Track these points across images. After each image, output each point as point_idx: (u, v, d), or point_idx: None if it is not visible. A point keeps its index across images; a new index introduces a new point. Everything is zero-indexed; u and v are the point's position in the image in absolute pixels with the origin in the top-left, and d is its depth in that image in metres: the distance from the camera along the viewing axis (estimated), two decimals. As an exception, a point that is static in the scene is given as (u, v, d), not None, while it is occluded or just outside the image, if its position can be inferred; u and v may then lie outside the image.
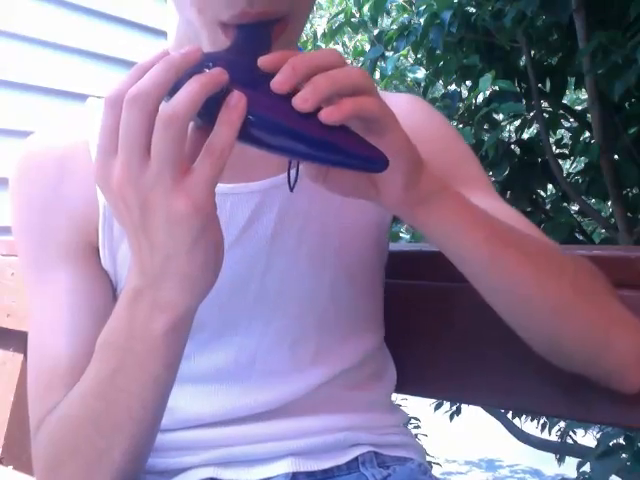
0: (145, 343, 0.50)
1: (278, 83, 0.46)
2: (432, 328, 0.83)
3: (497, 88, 1.95)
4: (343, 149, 0.47)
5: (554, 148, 2.33)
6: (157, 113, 0.44)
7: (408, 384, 0.82)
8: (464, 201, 0.56)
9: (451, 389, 0.84)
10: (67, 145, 0.66)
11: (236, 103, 0.45)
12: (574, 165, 2.60)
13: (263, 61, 0.47)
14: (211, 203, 0.46)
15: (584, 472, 2.36)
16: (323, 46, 2.75)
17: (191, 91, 0.43)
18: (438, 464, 3.40)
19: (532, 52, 2.10)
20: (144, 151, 0.44)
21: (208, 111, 0.45)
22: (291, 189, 0.62)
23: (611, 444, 1.95)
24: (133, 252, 0.49)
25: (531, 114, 2.17)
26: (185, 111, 0.43)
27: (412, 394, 0.90)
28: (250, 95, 0.45)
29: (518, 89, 2.17)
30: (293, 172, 0.62)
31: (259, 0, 0.50)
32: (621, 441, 1.97)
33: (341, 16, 2.51)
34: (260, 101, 0.46)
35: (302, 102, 0.45)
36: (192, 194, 0.44)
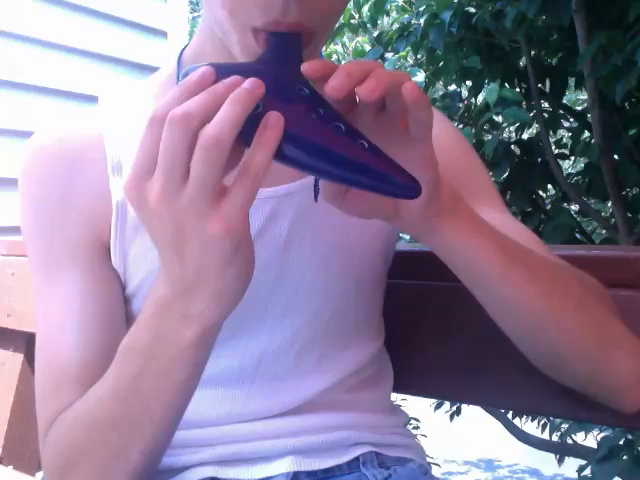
0: (172, 352, 0.50)
1: (333, 89, 0.45)
2: (432, 328, 0.84)
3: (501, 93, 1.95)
4: (379, 173, 0.46)
5: (554, 148, 2.33)
6: (197, 136, 0.43)
7: (408, 384, 0.82)
8: (475, 215, 0.56)
9: (451, 389, 0.84)
10: (80, 140, 0.65)
11: (274, 124, 0.44)
12: (574, 165, 2.60)
13: (307, 67, 0.46)
14: (245, 224, 0.46)
15: (585, 476, 2.36)
16: (323, 47, 2.74)
17: (232, 113, 0.43)
18: (437, 464, 3.40)
19: (532, 52, 2.10)
20: (183, 172, 0.44)
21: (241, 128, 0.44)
22: (316, 198, 0.61)
23: (611, 447, 1.95)
24: (163, 263, 0.48)
25: (531, 114, 2.17)
26: (227, 135, 0.43)
27: (412, 394, 0.90)
28: (285, 112, 0.45)
29: (518, 89, 2.17)
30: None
31: (293, 10, 0.49)
32: (621, 444, 1.97)
33: (340, 17, 2.50)
34: (296, 119, 0.45)
35: (369, 93, 0.44)
36: (226, 217, 0.44)
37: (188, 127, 0.43)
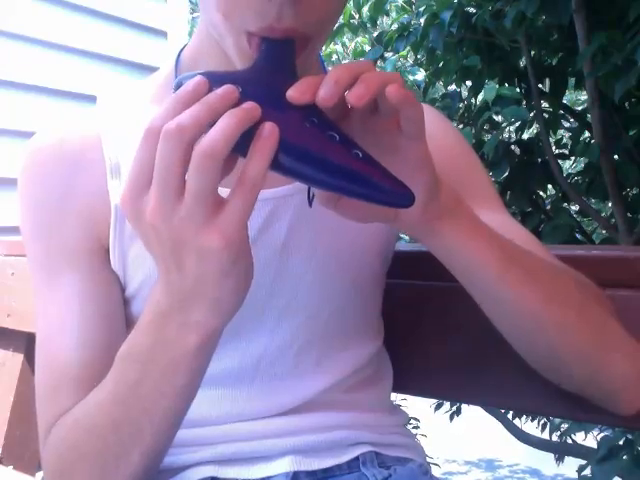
0: (171, 359, 0.50)
1: (324, 99, 0.45)
2: (432, 328, 0.83)
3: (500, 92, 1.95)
4: (373, 183, 0.46)
5: (554, 148, 2.32)
6: (192, 148, 0.43)
7: (408, 384, 0.82)
8: (474, 216, 0.56)
9: (451, 389, 0.84)
10: (79, 141, 0.65)
11: (269, 135, 0.44)
12: (574, 165, 2.60)
13: (292, 94, 0.46)
14: (243, 235, 0.46)
15: (585, 476, 2.36)
16: (323, 47, 2.74)
17: (227, 127, 0.43)
18: (437, 465, 3.40)
19: (532, 52, 2.10)
20: (179, 185, 0.44)
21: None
22: (310, 204, 0.61)
23: (611, 447, 1.95)
24: (161, 274, 0.48)
25: (531, 114, 2.17)
26: (221, 148, 0.43)
27: (412, 394, 0.90)
28: (280, 121, 0.45)
29: (518, 89, 2.17)
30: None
31: (288, 16, 0.49)
32: (621, 444, 1.97)
33: (340, 17, 2.50)
34: (290, 128, 0.46)
35: (358, 99, 0.45)
36: (224, 229, 0.44)
37: (182, 140, 0.43)
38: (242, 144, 0.44)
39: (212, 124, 0.44)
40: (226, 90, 0.45)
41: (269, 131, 0.44)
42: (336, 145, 0.46)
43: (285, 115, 0.46)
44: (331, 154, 0.46)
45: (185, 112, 0.44)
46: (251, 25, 0.50)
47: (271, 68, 0.50)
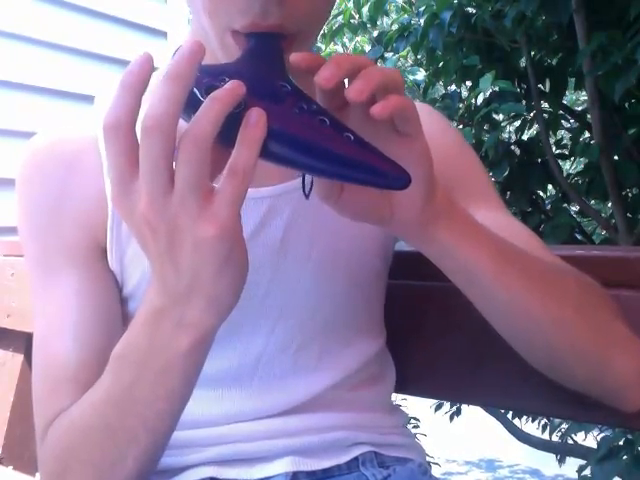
0: (166, 360, 0.49)
1: (324, 78, 0.44)
2: (432, 328, 0.83)
3: (497, 89, 1.95)
4: (367, 166, 0.45)
5: (554, 148, 2.33)
6: (175, 136, 0.43)
7: (408, 384, 0.82)
8: (469, 217, 0.56)
9: (451, 389, 0.84)
10: (76, 142, 0.65)
11: (256, 120, 0.44)
12: (574, 165, 2.60)
13: (295, 58, 0.46)
14: (237, 225, 0.45)
15: (585, 476, 2.36)
16: (322, 47, 2.75)
17: (211, 111, 0.42)
18: (437, 464, 3.40)
19: (532, 52, 2.11)
20: (167, 178, 0.43)
21: (224, 127, 0.43)
22: (306, 196, 0.61)
23: (611, 447, 1.95)
24: (155, 273, 0.48)
25: (531, 114, 2.17)
26: (208, 133, 0.42)
27: (412, 394, 0.90)
28: (269, 109, 0.44)
29: (518, 89, 2.17)
30: (308, 179, 0.61)
31: (272, 13, 0.49)
32: (621, 444, 1.97)
33: (340, 17, 2.51)
34: (279, 116, 0.45)
35: (358, 94, 0.44)
36: (218, 219, 0.44)
37: (163, 132, 0.42)
38: (232, 134, 0.44)
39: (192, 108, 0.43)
40: (189, 48, 0.43)
41: (256, 117, 0.44)
42: (327, 129, 0.45)
43: (273, 103, 0.45)
44: (322, 138, 0.45)
45: (158, 102, 0.42)
46: (236, 23, 0.51)
47: (258, 60, 0.49)
